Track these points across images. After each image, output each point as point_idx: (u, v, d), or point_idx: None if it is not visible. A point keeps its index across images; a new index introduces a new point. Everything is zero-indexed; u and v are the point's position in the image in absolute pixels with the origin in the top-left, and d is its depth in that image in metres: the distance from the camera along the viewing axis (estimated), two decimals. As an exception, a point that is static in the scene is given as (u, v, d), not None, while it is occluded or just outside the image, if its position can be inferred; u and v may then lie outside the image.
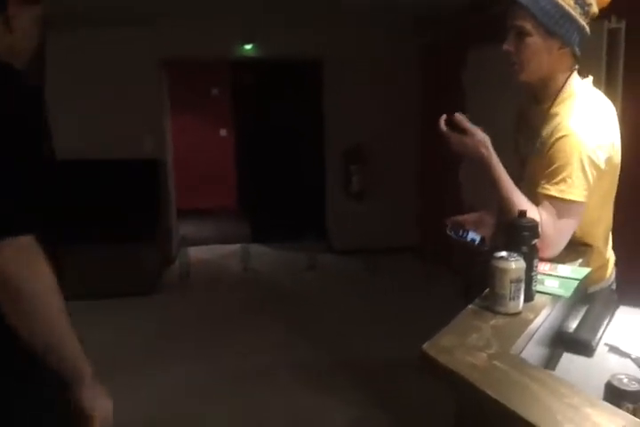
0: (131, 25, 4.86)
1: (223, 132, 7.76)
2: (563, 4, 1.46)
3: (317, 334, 3.84)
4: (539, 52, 1.50)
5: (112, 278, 4.53)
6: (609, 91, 2.63)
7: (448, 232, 1.65)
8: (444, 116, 1.51)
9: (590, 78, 1.60)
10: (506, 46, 1.53)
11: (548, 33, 1.48)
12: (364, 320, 4.05)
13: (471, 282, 2.73)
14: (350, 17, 5.01)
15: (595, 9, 1.51)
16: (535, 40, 1.49)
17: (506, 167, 1.51)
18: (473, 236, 1.58)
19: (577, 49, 1.52)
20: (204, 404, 2.98)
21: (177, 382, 3.20)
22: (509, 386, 0.91)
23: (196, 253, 5.56)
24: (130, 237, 4.68)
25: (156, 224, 5.16)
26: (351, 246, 5.62)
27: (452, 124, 1.50)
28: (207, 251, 5.91)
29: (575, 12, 1.47)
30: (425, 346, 1.03)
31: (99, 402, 1.12)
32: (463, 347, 1.03)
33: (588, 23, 1.51)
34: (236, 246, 5.68)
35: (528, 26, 1.48)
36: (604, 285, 1.65)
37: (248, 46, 5.30)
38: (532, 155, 1.59)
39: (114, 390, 2.94)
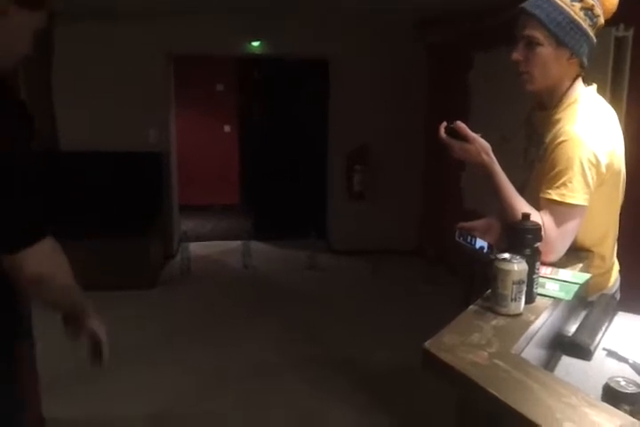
0: (138, 19, 4.88)
1: (227, 129, 7.76)
2: (573, 15, 1.48)
3: (316, 334, 3.85)
4: (548, 61, 1.52)
5: (113, 271, 4.54)
6: (614, 98, 2.66)
7: (457, 239, 1.65)
8: (443, 124, 1.53)
9: (594, 86, 1.61)
10: (515, 55, 1.55)
11: (559, 43, 1.49)
12: (362, 321, 4.06)
13: (471, 287, 2.75)
14: (356, 16, 5.03)
15: (602, 20, 1.53)
16: (545, 50, 1.51)
17: (507, 173, 1.53)
18: (481, 243, 1.59)
19: (585, 60, 1.54)
20: (200, 400, 3.00)
21: (174, 378, 3.22)
22: (510, 384, 0.93)
23: (196, 248, 5.58)
24: (132, 230, 4.69)
25: (158, 218, 5.18)
26: (351, 247, 5.63)
27: (452, 131, 1.52)
28: (208, 247, 5.93)
29: (585, 24, 1.49)
30: (427, 344, 1.05)
31: (102, 328, 1.40)
32: (465, 345, 1.05)
33: (595, 35, 1.53)
34: (237, 243, 5.69)
35: (539, 35, 1.49)
36: (605, 293, 1.66)
37: (255, 43, 5.32)
38: (536, 161, 1.61)
39: (113, 382, 2.93)
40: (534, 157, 1.66)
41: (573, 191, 1.45)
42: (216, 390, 3.09)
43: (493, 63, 3.93)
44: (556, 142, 1.50)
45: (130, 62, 5.09)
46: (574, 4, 1.48)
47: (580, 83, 1.59)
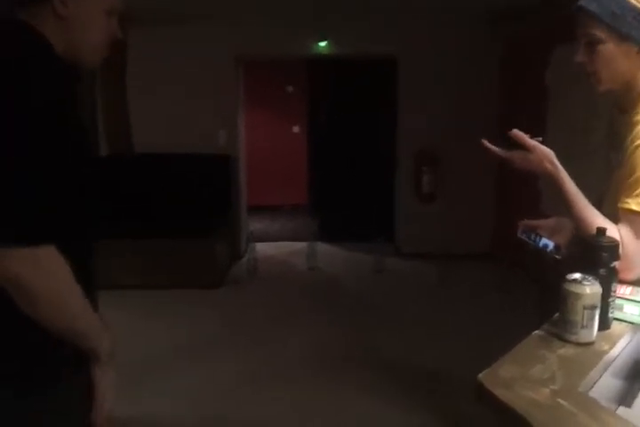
0: (208, 22, 4.94)
1: (296, 129, 7.77)
2: (635, 3, 1.31)
3: (378, 339, 3.75)
4: (614, 58, 1.37)
5: (180, 271, 4.63)
6: None
7: (519, 235, 1.56)
8: (485, 142, 1.42)
9: None
10: (578, 58, 1.42)
11: (622, 37, 1.34)
12: (429, 328, 3.92)
13: (542, 299, 2.58)
14: (426, 14, 4.88)
15: None
16: (608, 47, 1.36)
17: (586, 181, 1.39)
18: (546, 242, 1.48)
19: None
20: (251, 401, 2.98)
21: (229, 378, 3.21)
22: (574, 430, 0.82)
23: (263, 249, 5.59)
24: (200, 230, 4.76)
25: (227, 219, 5.23)
26: (419, 250, 5.48)
27: (509, 140, 1.40)
28: (274, 247, 5.94)
29: None
30: (481, 376, 0.94)
31: (104, 383, 1.15)
32: (524, 380, 0.94)
33: None
34: (303, 244, 5.66)
35: (598, 33, 1.35)
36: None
37: (322, 44, 5.27)
38: (616, 167, 1.46)
39: (166, 381, 2.93)
40: (615, 163, 1.51)
41: None
42: (268, 389, 3.08)
43: (572, 59, 3.70)
44: (634, 145, 1.35)
45: (200, 65, 5.16)
46: None
47: None
